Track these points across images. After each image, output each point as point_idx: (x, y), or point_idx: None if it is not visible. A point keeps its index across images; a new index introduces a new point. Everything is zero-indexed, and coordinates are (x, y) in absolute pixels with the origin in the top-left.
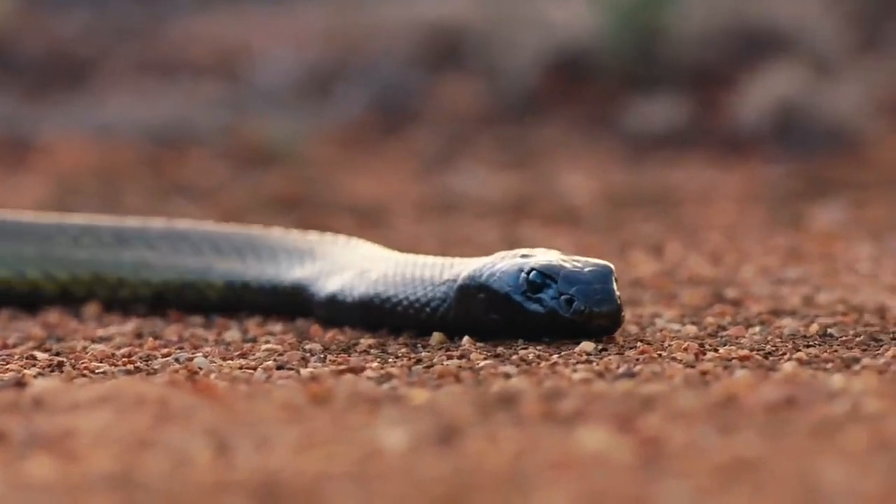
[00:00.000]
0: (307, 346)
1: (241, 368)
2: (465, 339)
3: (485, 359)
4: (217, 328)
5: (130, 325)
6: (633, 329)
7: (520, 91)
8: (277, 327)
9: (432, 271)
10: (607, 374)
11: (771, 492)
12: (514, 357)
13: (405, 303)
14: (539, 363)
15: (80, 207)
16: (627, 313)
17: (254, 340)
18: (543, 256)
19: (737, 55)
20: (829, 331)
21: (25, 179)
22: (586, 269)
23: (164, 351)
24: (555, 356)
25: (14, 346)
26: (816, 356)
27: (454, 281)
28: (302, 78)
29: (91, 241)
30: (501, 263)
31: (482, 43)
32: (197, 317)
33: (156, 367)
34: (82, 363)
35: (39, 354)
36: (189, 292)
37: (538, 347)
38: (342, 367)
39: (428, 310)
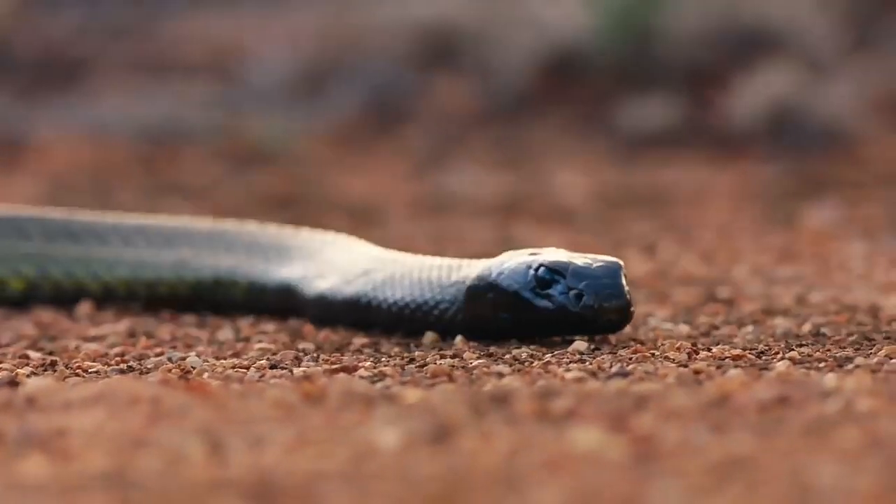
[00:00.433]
0: (300, 346)
1: (234, 367)
2: (458, 338)
3: (478, 358)
4: (210, 327)
5: (123, 325)
6: (626, 328)
7: (513, 90)
8: (270, 327)
9: (440, 273)
10: (600, 374)
11: (763, 490)
12: (507, 356)
13: (413, 305)
14: (532, 362)
15: (73, 206)
16: None
17: (247, 340)
18: (552, 253)
19: (730, 55)
20: (822, 330)
21: (19, 178)
22: (595, 265)
23: (158, 350)
24: (548, 355)
25: (7, 345)
26: (809, 355)
27: (463, 283)
28: (295, 77)
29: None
30: (509, 262)
31: (475, 43)
32: (190, 316)
33: (149, 366)
34: (75, 362)
35: (32, 353)
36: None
37: (531, 347)
38: (335, 366)
39: (437, 312)
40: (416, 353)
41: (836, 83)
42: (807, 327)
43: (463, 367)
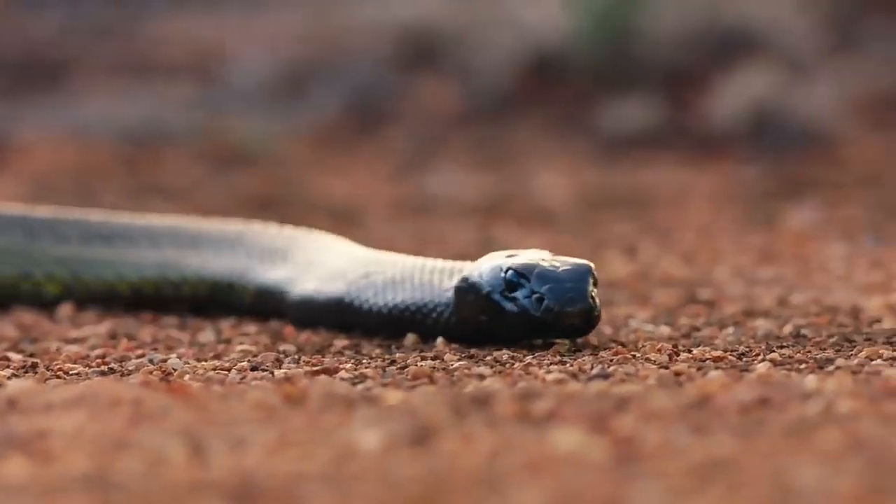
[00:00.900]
0: (281, 348)
1: (215, 369)
2: (439, 340)
3: (459, 360)
4: (191, 329)
5: (104, 326)
6: (606, 330)
7: (494, 92)
8: (251, 328)
9: (441, 276)
10: (581, 375)
11: (745, 492)
12: (488, 358)
13: (413, 308)
14: (513, 364)
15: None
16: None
17: (228, 341)
18: (525, 256)
19: (710, 56)
20: (803, 331)
21: (1, 179)
22: (561, 268)
23: (139, 352)
24: (528, 357)
25: None
26: (790, 357)
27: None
28: (277, 78)
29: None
30: (487, 263)
31: (456, 44)
32: (171, 318)
33: (130, 368)
34: (56, 364)
35: (13, 355)
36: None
37: (511, 348)
38: (316, 367)
39: (434, 315)
40: (397, 354)
41: (817, 84)
42: (787, 329)
43: (444, 369)
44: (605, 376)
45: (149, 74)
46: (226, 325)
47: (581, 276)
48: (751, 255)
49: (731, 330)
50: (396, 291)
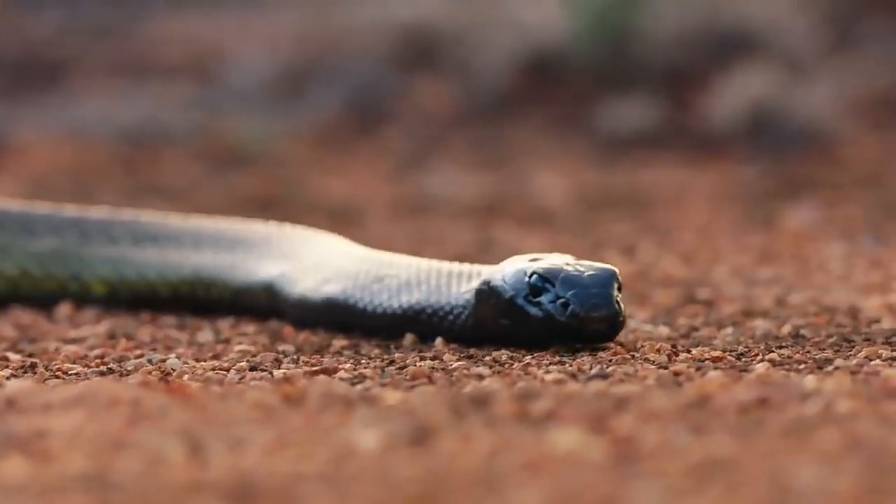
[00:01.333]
0: (280, 348)
1: (214, 369)
2: (438, 340)
3: (458, 360)
4: (190, 329)
5: (103, 327)
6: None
7: (493, 92)
8: (250, 328)
9: (459, 278)
10: (580, 375)
11: (743, 492)
12: (487, 358)
13: (429, 310)
14: (512, 364)
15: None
16: None
17: (227, 341)
18: (549, 260)
19: (709, 56)
20: (802, 332)
21: None
22: (586, 273)
23: (137, 352)
24: (527, 357)
25: None
26: (789, 357)
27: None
28: (275, 78)
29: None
30: (510, 267)
31: (455, 44)
32: (170, 318)
33: (129, 368)
34: (55, 364)
35: (12, 355)
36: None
37: (511, 348)
38: (315, 368)
39: (451, 317)
40: (396, 354)
41: (816, 84)
42: (786, 329)
43: (443, 369)
44: (603, 376)
45: (147, 74)
46: (224, 325)
47: (606, 281)
48: (750, 255)
49: (729, 330)
50: (412, 293)
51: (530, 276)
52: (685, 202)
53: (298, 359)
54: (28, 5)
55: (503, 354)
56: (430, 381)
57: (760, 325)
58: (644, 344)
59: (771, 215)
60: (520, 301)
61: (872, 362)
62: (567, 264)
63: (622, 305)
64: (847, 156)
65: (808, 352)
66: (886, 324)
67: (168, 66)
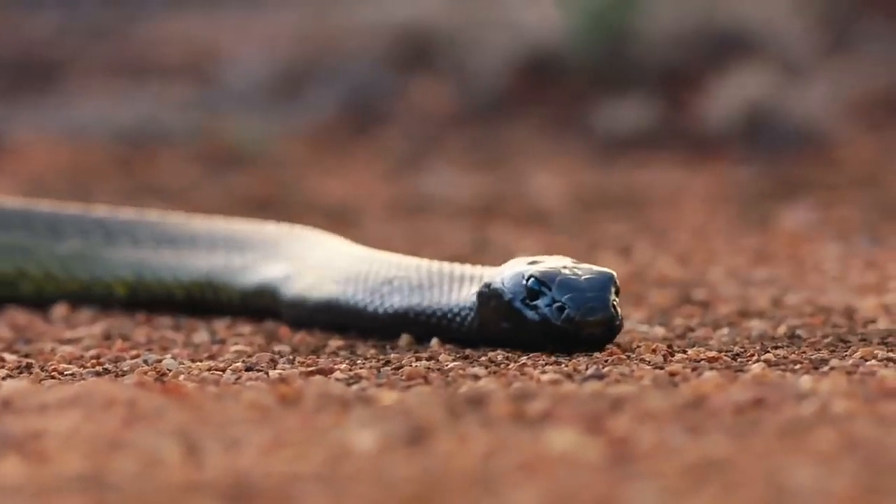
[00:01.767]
0: (276, 348)
1: (209, 370)
2: (434, 340)
3: (454, 360)
4: (186, 330)
5: (99, 327)
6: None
7: (489, 92)
8: (246, 329)
9: (462, 280)
10: (576, 376)
11: (739, 492)
12: (483, 358)
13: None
14: (508, 364)
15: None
16: None
17: (222, 342)
18: (547, 263)
19: (706, 56)
20: (798, 332)
21: None
22: (583, 277)
23: (133, 352)
24: (523, 357)
25: None
26: (785, 357)
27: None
28: (273, 79)
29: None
30: (510, 270)
31: (452, 44)
32: (165, 318)
33: (125, 368)
34: (51, 365)
35: (8, 356)
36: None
37: (507, 349)
38: (311, 368)
39: (458, 319)
40: (392, 355)
41: (812, 85)
42: (782, 329)
43: (438, 370)
44: (599, 377)
45: (145, 75)
46: (220, 325)
47: (603, 285)
48: (745, 256)
49: (725, 330)
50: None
51: (527, 280)
52: (681, 203)
53: (294, 359)
54: (26, 5)
55: (499, 355)
56: (426, 381)
57: (756, 325)
58: (640, 344)
59: (767, 216)
60: (517, 304)
61: (868, 363)
62: (565, 268)
63: (619, 310)
64: (843, 157)
65: (804, 352)
66: (882, 324)
67: (166, 67)
